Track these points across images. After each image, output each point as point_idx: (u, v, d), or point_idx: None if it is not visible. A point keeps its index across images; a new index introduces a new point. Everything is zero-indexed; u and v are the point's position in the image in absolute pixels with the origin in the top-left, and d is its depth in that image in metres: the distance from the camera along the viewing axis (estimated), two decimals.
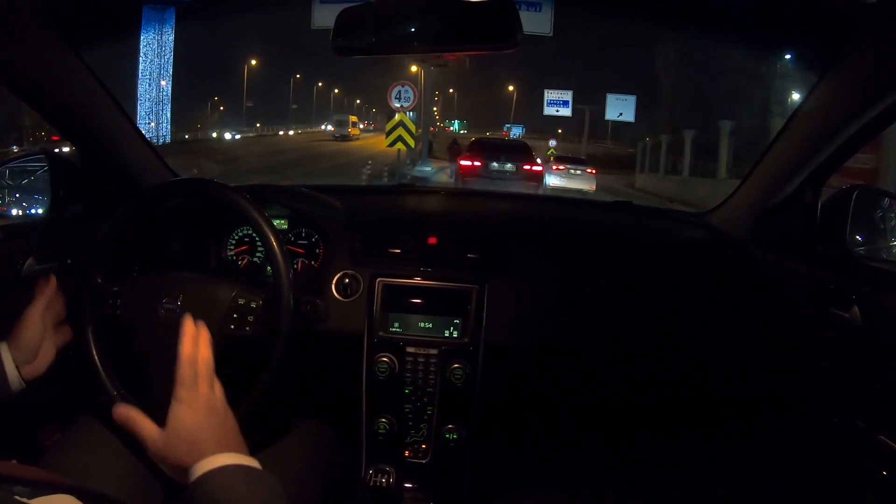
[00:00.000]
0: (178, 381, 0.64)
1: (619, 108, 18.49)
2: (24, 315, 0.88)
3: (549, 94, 19.93)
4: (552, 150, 18.17)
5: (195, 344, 0.66)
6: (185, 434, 0.61)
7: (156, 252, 1.19)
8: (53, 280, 0.90)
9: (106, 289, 0.95)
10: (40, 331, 0.88)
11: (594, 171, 12.73)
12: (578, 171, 12.20)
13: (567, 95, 19.77)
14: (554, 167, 12.46)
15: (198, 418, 0.62)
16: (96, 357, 0.92)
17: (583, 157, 15.00)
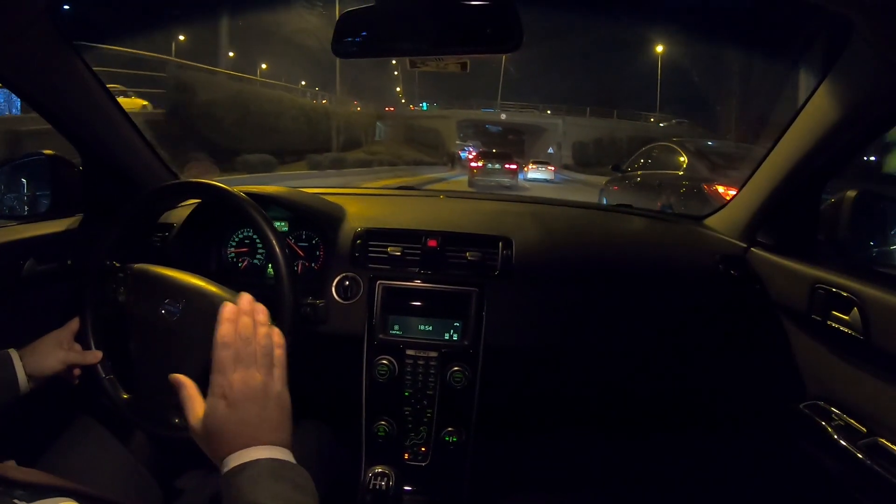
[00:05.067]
0: (213, 367, 0.61)
1: None
2: (48, 336, 0.91)
3: None
4: None
5: (233, 326, 0.62)
6: (216, 427, 0.59)
7: (157, 251, 1.19)
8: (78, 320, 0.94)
9: (112, 271, 0.95)
10: (56, 349, 0.90)
11: (553, 169, 21.02)
12: (542, 168, 20.38)
13: None
14: (530, 166, 19.79)
15: (229, 410, 0.59)
16: (91, 338, 0.92)
17: (545, 160, 22.39)
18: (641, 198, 5.58)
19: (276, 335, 0.65)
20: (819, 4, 0.75)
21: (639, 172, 6.09)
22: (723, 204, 1.36)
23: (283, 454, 0.59)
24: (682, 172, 5.29)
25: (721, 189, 4.58)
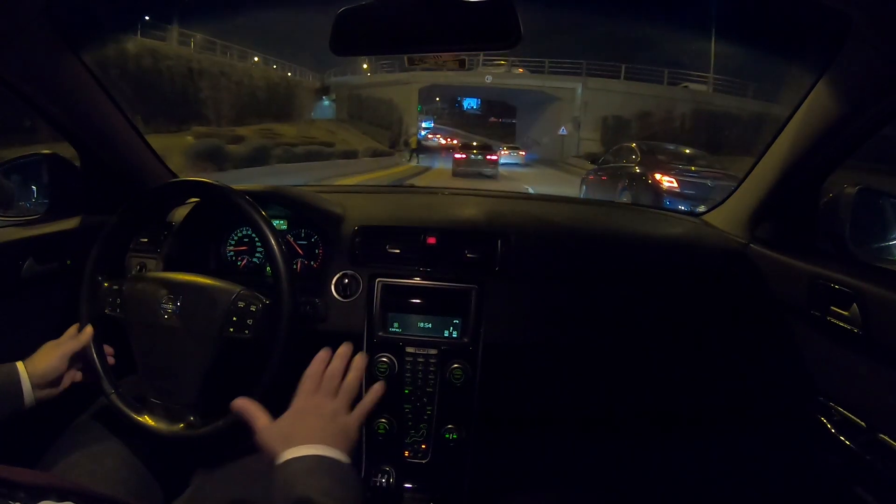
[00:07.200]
0: (298, 389, 0.75)
1: None
2: (53, 350, 0.91)
3: None
4: None
5: (323, 365, 0.78)
6: (282, 429, 0.69)
7: (156, 252, 1.19)
8: (89, 331, 0.94)
9: (107, 288, 0.95)
10: (61, 365, 0.90)
11: (523, 153, 22.37)
12: (513, 153, 21.38)
13: None
14: (502, 152, 20.22)
15: (296, 418, 0.71)
16: (95, 356, 0.93)
17: (517, 146, 22.69)
18: (609, 185, 7.74)
19: (358, 361, 0.80)
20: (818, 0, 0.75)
21: (610, 165, 8.37)
22: (722, 200, 1.36)
23: (335, 454, 0.66)
24: (636, 165, 7.50)
25: (658, 176, 6.71)
